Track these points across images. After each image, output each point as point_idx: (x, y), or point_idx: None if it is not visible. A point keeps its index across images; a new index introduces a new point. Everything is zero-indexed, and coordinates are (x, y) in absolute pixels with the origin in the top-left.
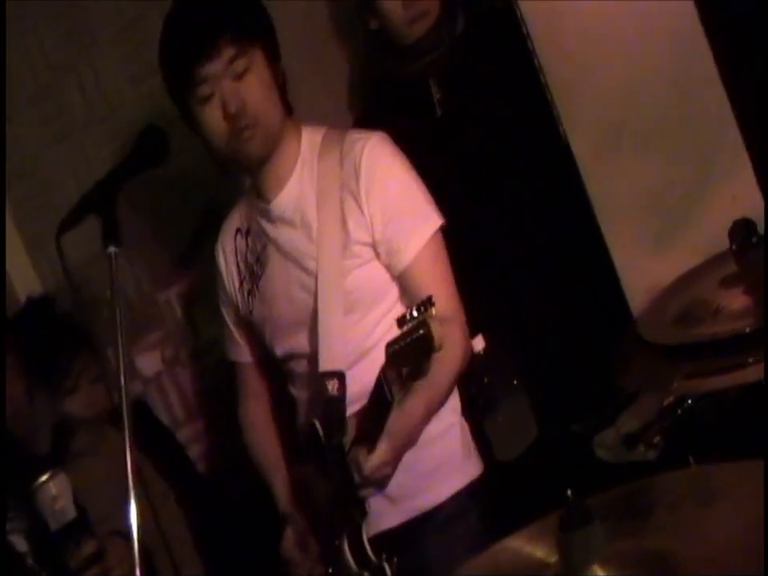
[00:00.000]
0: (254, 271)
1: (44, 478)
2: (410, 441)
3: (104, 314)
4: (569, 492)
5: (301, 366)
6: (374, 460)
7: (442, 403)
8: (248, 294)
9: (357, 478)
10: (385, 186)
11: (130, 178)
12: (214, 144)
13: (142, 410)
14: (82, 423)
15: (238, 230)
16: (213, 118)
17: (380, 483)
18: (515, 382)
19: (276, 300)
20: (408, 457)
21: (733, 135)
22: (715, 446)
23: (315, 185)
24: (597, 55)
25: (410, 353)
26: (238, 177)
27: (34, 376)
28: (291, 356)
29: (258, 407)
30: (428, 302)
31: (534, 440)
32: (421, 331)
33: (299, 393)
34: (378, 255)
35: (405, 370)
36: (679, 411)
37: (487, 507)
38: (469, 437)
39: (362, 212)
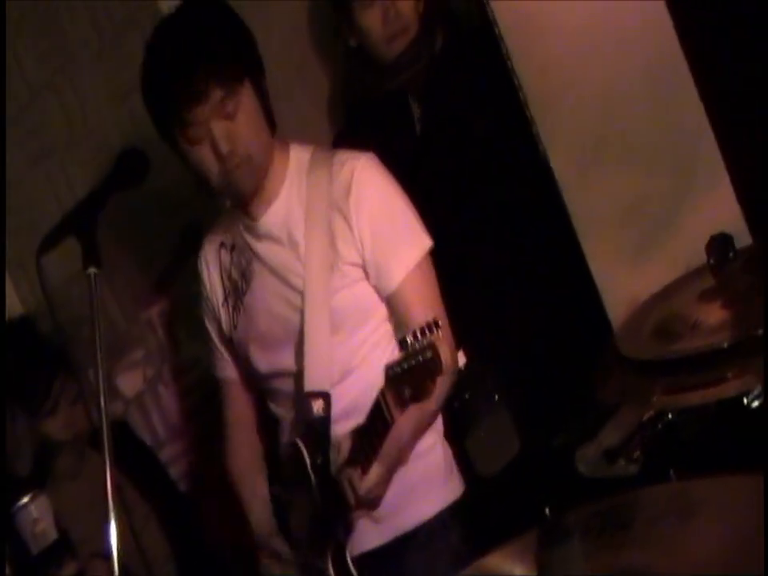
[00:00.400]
0: (238, 286)
1: (25, 500)
2: (400, 460)
3: (84, 335)
4: (547, 510)
5: (284, 384)
6: (369, 480)
7: (430, 423)
8: (233, 310)
9: (350, 498)
10: (375, 207)
11: (109, 198)
12: (204, 179)
13: (123, 431)
14: (63, 445)
15: (222, 244)
16: (203, 157)
17: (374, 503)
18: (496, 397)
19: (261, 316)
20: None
21: (711, 149)
22: (695, 460)
23: (303, 203)
24: (575, 71)
25: (414, 375)
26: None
27: (14, 398)
28: (275, 374)
29: (242, 428)
30: (434, 324)
31: (515, 454)
32: (428, 354)
33: (282, 411)
34: (366, 275)
35: (407, 392)
36: (659, 426)
37: (469, 526)
38: (450, 455)
39: (352, 232)
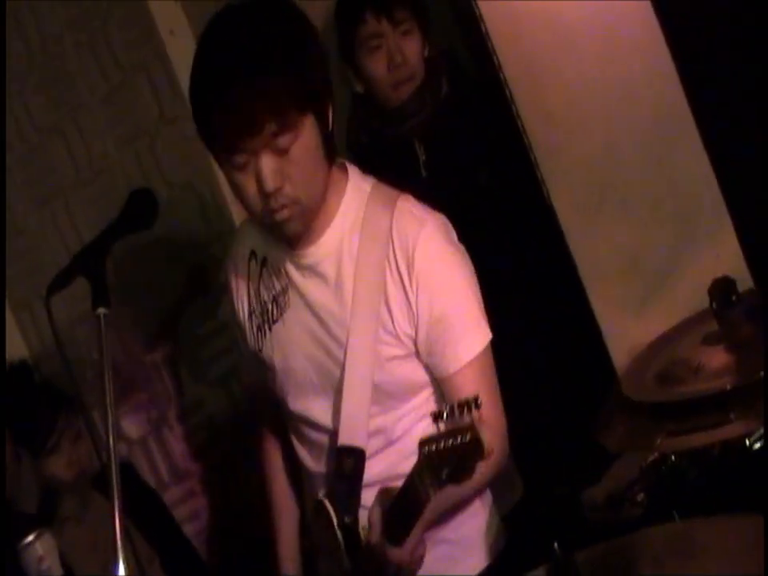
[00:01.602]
0: (267, 309)
1: (30, 538)
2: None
3: (88, 376)
4: (555, 545)
5: (314, 433)
6: (408, 546)
7: (473, 493)
8: (257, 330)
9: (391, 570)
10: (438, 284)
11: (119, 239)
12: (247, 210)
13: (127, 472)
14: (66, 486)
15: (252, 253)
16: (248, 189)
17: (417, 565)
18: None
19: (293, 353)
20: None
21: (714, 196)
22: (699, 502)
23: (355, 245)
24: (579, 118)
25: (452, 456)
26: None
27: (18, 437)
28: (304, 419)
29: (276, 444)
30: (474, 402)
31: (519, 498)
32: (468, 436)
33: (309, 460)
34: (417, 353)
35: (445, 472)
36: (663, 468)
37: None
38: (489, 508)
39: (408, 302)
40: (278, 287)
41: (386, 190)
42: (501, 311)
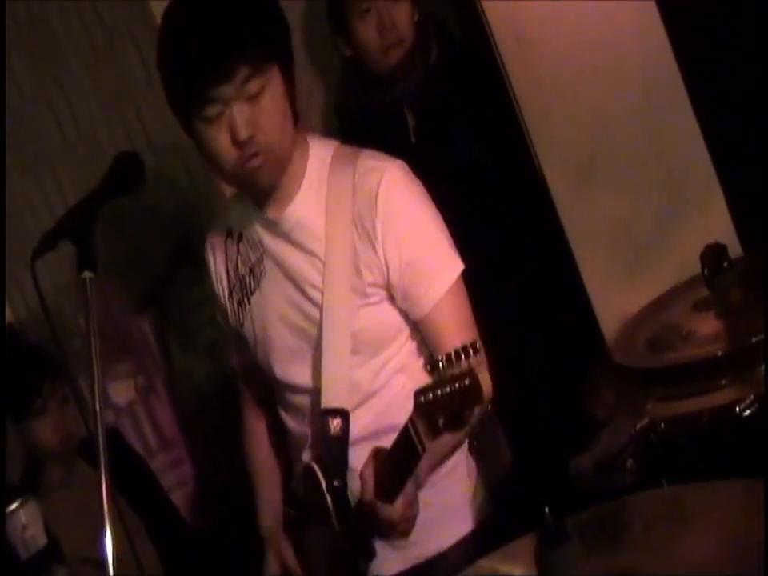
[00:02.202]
0: (245, 283)
1: (14, 506)
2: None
3: (75, 343)
4: (546, 510)
5: (297, 398)
6: (400, 503)
7: (462, 443)
8: (238, 306)
9: (384, 529)
10: (403, 227)
11: (107, 202)
12: (217, 165)
13: (114, 439)
14: (52, 454)
15: (229, 233)
16: (219, 141)
17: (409, 528)
18: (488, 408)
19: (272, 321)
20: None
21: (704, 164)
22: (688, 469)
23: (323, 207)
24: (570, 85)
25: (450, 403)
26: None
27: (4, 405)
28: (288, 385)
29: (258, 416)
30: (472, 348)
31: (508, 467)
32: (466, 381)
33: (294, 425)
34: (391, 297)
35: (441, 421)
36: (652, 435)
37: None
38: (474, 473)
39: (376, 253)
40: (253, 258)
41: (347, 150)
42: (488, 278)
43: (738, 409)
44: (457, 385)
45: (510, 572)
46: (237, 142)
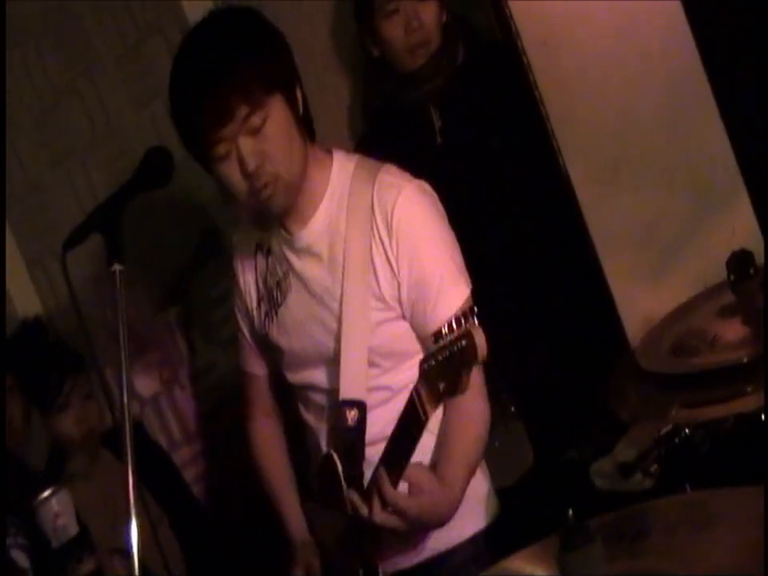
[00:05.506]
0: (273, 296)
1: (46, 494)
2: (471, 471)
3: (101, 335)
4: (569, 512)
5: (317, 396)
6: (456, 475)
7: (488, 421)
8: (265, 316)
9: (376, 509)
10: (414, 246)
11: (135, 196)
12: (236, 198)
13: (138, 431)
14: (75, 444)
15: (258, 246)
16: (231, 176)
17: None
18: (512, 409)
19: (295, 332)
20: None
21: (730, 167)
22: (711, 474)
23: (344, 221)
24: (596, 88)
25: (449, 366)
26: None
27: (30, 395)
28: (307, 385)
29: (268, 425)
30: (469, 312)
31: (530, 467)
32: (462, 342)
33: (312, 420)
34: (404, 314)
35: (441, 386)
36: (676, 440)
37: (502, 549)
38: (486, 482)
39: (392, 268)
40: (280, 273)
41: (369, 165)
42: (513, 278)
43: (762, 416)
44: (455, 348)
45: (532, 572)
46: (247, 174)
